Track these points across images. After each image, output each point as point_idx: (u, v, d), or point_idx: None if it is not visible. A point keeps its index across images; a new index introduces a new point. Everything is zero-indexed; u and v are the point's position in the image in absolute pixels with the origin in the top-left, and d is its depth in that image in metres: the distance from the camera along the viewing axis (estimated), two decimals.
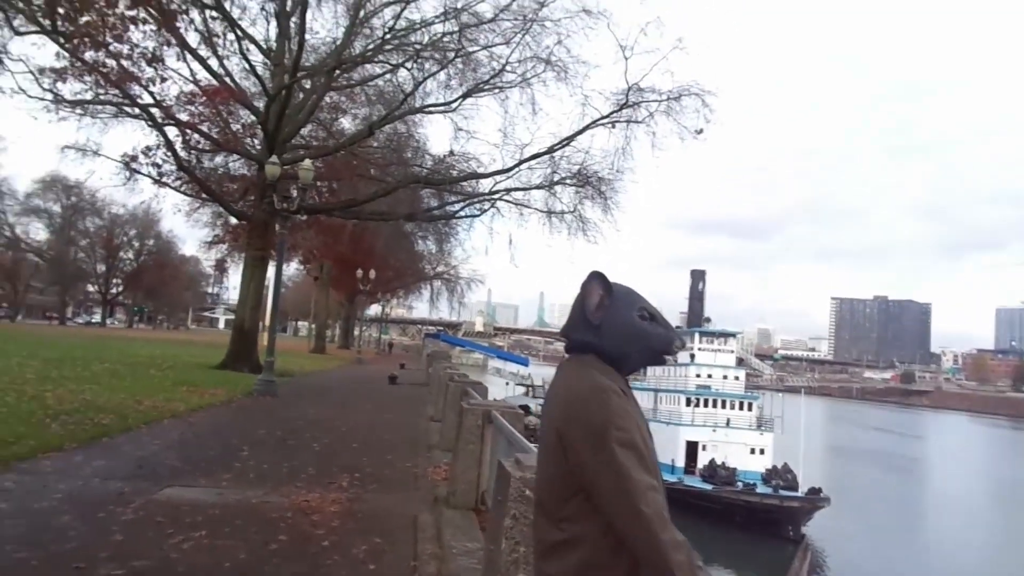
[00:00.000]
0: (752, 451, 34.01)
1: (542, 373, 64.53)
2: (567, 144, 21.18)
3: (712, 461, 32.18)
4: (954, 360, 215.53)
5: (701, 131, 20.08)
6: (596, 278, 1.82)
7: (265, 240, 20.91)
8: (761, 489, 29.83)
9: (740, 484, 30.25)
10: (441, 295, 61.75)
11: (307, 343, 51.55)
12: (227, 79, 20.92)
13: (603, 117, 20.56)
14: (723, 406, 36.62)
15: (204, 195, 23.96)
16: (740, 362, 44.63)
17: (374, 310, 69.78)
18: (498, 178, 22.25)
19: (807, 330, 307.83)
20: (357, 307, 58.03)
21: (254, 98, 22.73)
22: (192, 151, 22.42)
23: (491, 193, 22.58)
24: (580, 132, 20.97)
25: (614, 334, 1.78)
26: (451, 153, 23.02)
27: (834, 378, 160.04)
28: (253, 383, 15.78)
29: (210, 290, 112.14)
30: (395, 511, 6.16)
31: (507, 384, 60.23)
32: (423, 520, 5.85)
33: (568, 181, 21.63)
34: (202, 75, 20.98)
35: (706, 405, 36.25)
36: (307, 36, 21.46)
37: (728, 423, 35.90)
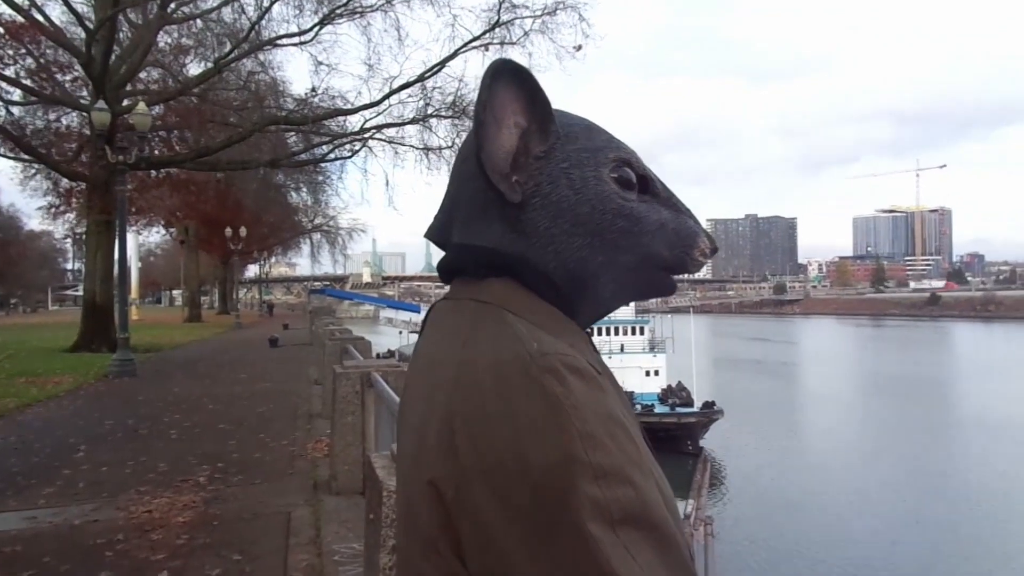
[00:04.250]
0: (647, 373, 34.83)
1: None
2: (438, 71, 19.66)
3: None
4: (819, 269, 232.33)
5: (580, 47, 19.07)
6: (510, 78, 0.67)
7: (107, 202, 18.45)
8: (659, 409, 30.58)
9: (639, 407, 30.82)
10: (322, 248, 58.89)
11: (182, 313, 48.08)
12: (35, 12, 17.87)
13: (474, 39, 19.10)
14: (616, 332, 37.29)
15: (26, 156, 20.87)
16: None
17: (254, 271, 65.90)
18: (367, 114, 20.50)
19: None
20: (233, 269, 54.52)
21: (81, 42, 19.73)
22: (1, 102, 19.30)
23: (361, 131, 20.84)
24: (451, 57, 19.48)
25: (562, 225, 0.68)
26: (313, 91, 20.98)
27: (714, 295, 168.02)
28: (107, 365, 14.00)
29: (69, 266, 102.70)
30: (264, 508, 5.02)
31: (400, 333, 59.20)
32: (298, 517, 4.76)
33: (443, 113, 20.18)
34: (3, 10, 17.94)
35: (600, 333, 36.58)
36: None
37: (623, 348, 36.55)
